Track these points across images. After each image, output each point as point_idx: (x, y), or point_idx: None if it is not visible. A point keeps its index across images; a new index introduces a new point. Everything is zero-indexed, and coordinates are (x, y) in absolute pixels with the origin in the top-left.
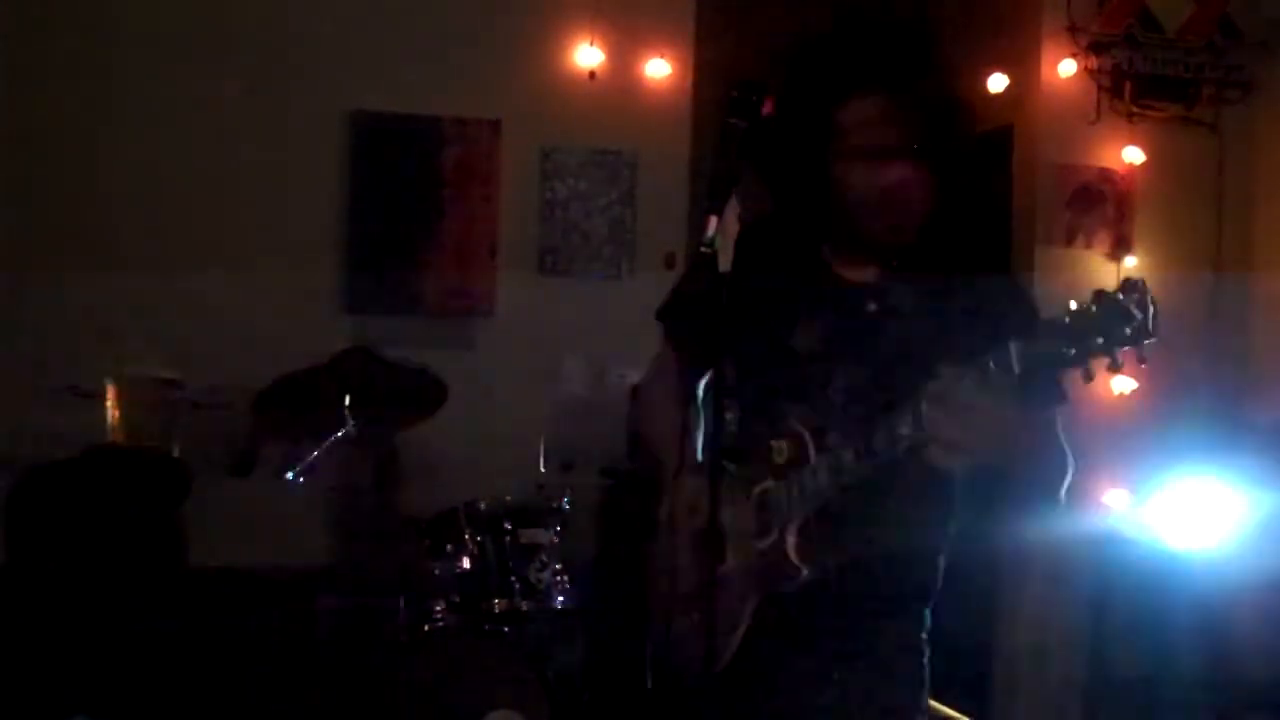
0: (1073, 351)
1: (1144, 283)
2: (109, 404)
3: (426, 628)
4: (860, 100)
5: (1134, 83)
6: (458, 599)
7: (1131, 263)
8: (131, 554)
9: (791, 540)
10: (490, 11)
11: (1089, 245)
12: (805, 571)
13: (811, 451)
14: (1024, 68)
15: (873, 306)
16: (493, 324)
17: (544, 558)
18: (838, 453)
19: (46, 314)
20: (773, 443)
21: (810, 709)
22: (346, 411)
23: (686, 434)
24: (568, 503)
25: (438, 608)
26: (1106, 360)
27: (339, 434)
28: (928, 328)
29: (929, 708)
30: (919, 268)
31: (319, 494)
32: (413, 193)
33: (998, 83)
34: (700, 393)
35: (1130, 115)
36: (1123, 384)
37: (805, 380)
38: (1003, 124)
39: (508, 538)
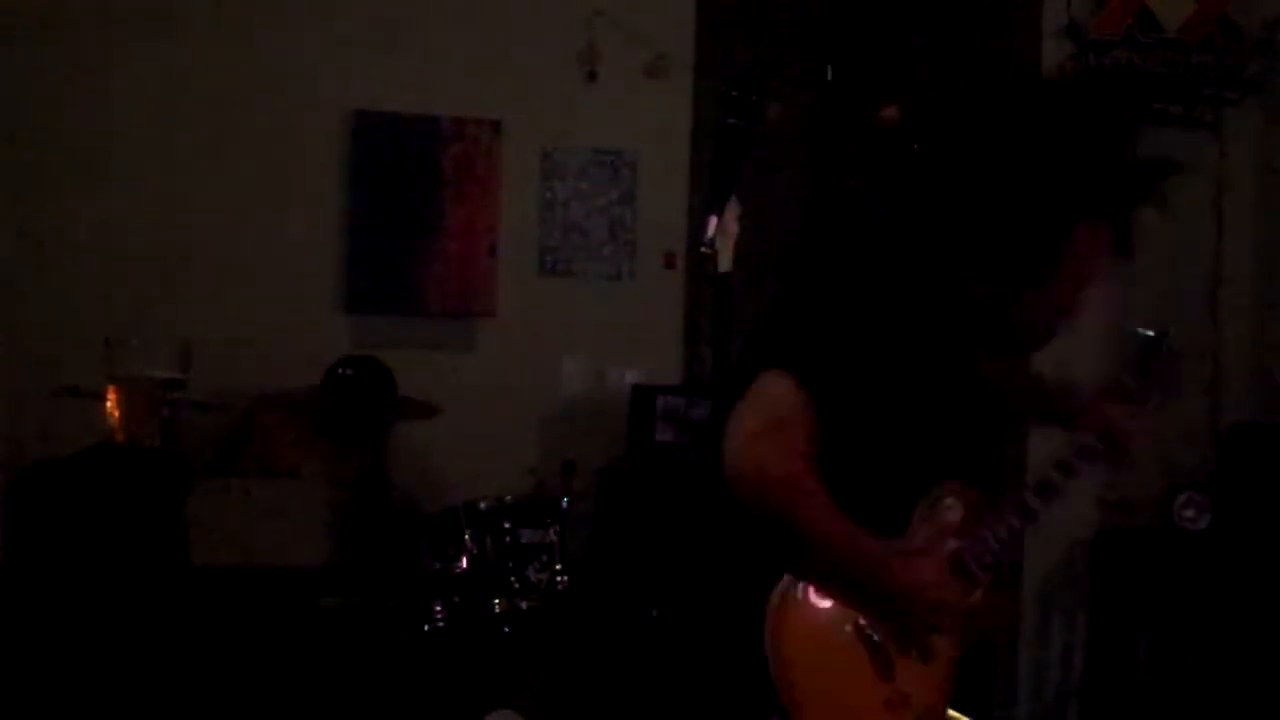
0: None
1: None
2: (109, 404)
3: (426, 628)
4: (1099, 228)
5: (1134, 83)
6: (458, 599)
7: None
8: (132, 554)
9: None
10: (490, 11)
11: None
12: (1012, 612)
13: (992, 502)
14: (1024, 67)
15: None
16: (493, 324)
17: (544, 558)
18: (1023, 497)
19: (46, 314)
20: (940, 499)
21: None
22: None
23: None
24: (567, 501)
25: (438, 608)
26: None
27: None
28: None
29: None
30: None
31: (319, 494)
32: (413, 193)
33: None
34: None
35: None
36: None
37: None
38: None
39: (508, 538)
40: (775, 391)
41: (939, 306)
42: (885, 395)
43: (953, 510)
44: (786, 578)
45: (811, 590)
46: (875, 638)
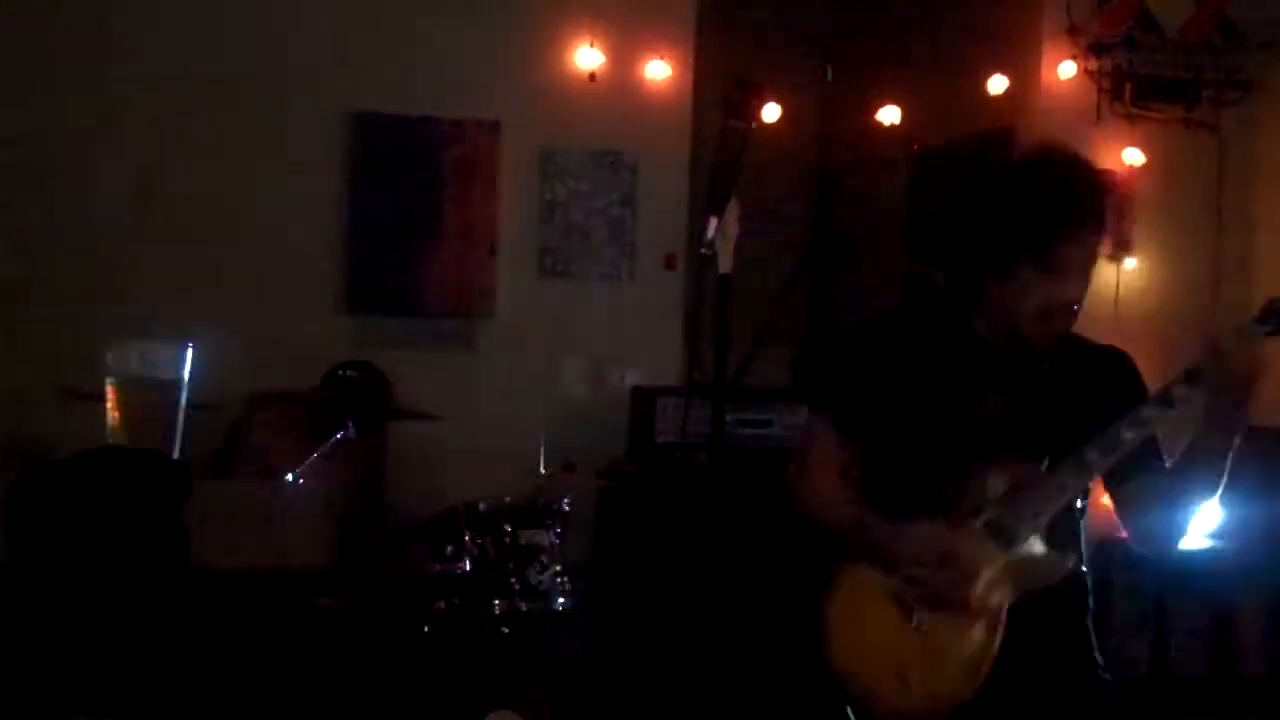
0: None
1: None
2: (109, 404)
3: (426, 628)
4: (1071, 231)
5: (1134, 84)
6: (458, 599)
7: (1131, 264)
8: (132, 555)
9: (1040, 545)
10: (490, 13)
11: None
12: (1070, 562)
13: (1039, 468)
14: (1025, 69)
15: (1043, 375)
16: (493, 324)
17: (544, 558)
18: (1082, 452)
19: (46, 314)
20: (984, 479)
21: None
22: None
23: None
24: (567, 503)
25: (438, 607)
26: None
27: (336, 436)
28: (1087, 392)
29: None
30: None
31: (319, 494)
32: (413, 193)
33: (998, 84)
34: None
35: (1130, 117)
36: None
37: (988, 440)
38: (1003, 126)
39: (508, 538)
40: (815, 434)
41: (956, 306)
42: (907, 401)
43: (994, 484)
44: (839, 576)
45: (856, 576)
46: (904, 599)
